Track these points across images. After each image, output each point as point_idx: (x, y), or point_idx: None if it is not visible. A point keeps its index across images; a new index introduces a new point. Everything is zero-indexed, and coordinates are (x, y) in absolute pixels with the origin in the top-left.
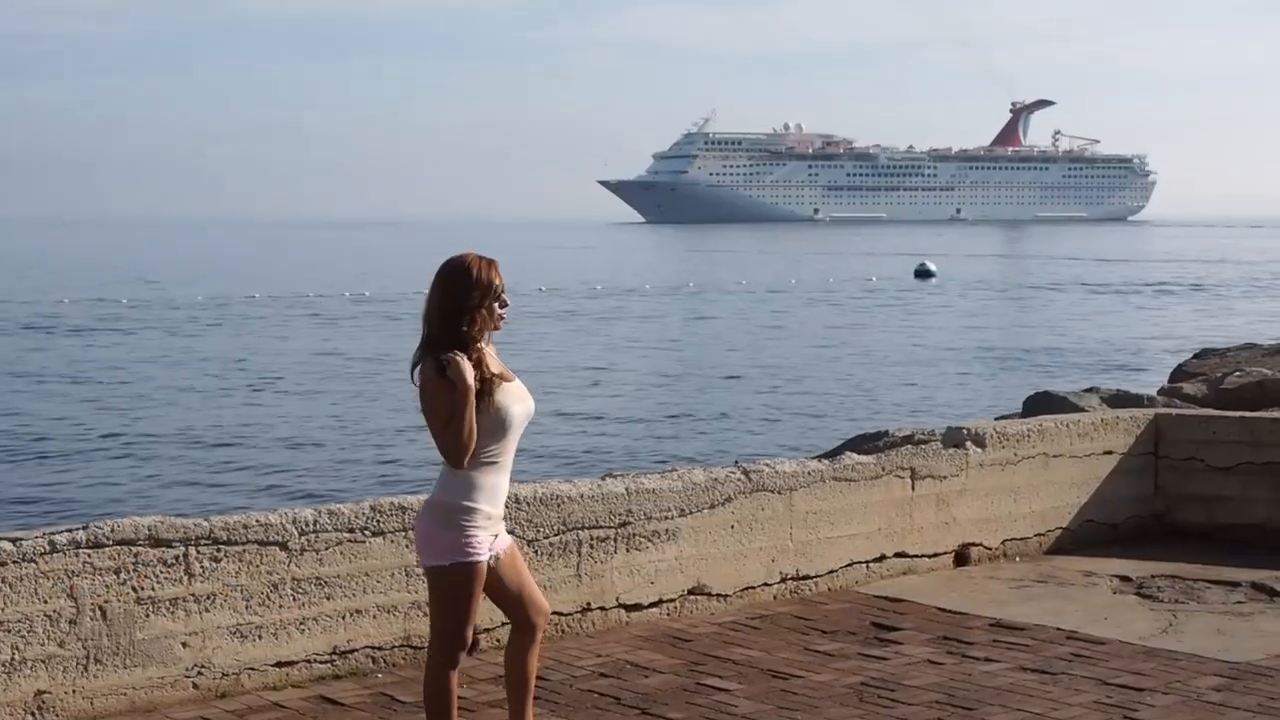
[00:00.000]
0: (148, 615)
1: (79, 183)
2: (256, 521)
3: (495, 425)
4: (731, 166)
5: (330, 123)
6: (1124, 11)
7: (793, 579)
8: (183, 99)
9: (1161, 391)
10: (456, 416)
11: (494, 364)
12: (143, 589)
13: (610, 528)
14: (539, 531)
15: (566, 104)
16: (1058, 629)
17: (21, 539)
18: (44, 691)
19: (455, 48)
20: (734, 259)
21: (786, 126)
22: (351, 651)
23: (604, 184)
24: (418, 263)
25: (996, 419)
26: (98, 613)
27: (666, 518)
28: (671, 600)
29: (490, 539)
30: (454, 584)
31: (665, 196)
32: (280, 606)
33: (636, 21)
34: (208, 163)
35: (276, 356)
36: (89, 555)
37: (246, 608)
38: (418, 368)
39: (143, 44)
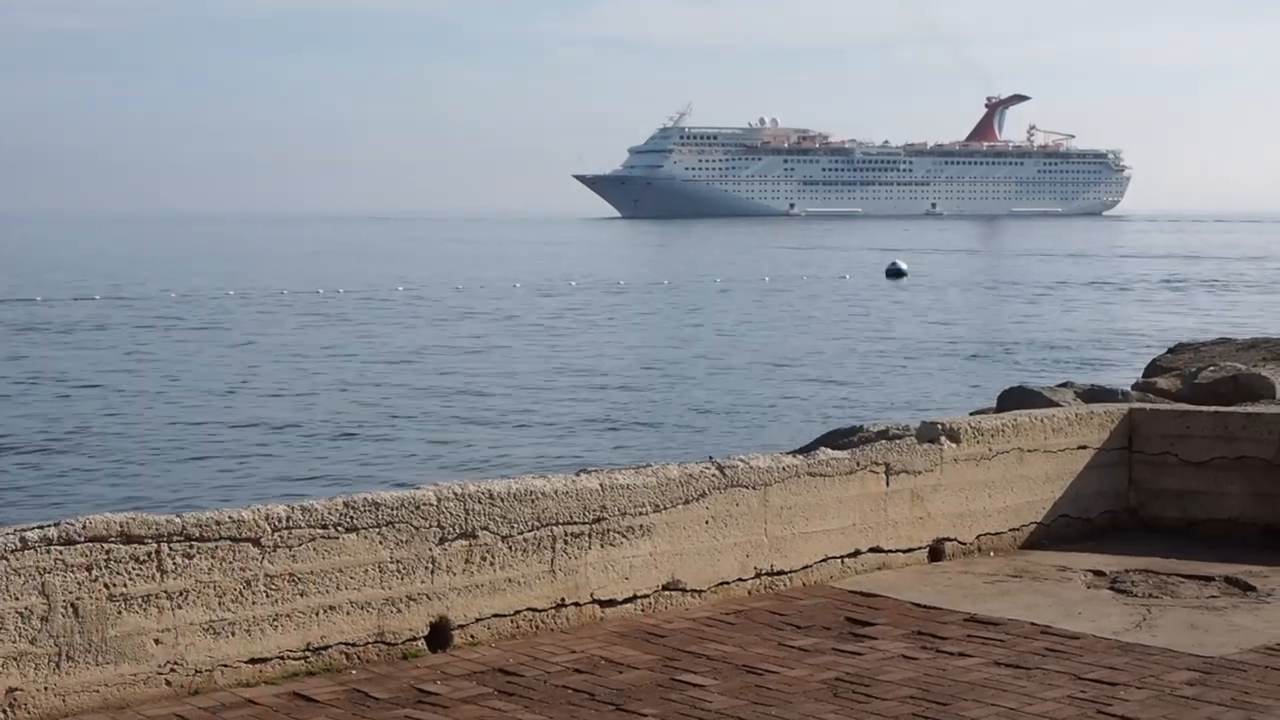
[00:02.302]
0: (120, 612)
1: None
2: (229, 518)
3: None
4: (707, 161)
5: (311, 120)
6: (1099, 7)
7: (767, 574)
8: (149, 97)
9: (1136, 386)
10: None
11: None
12: (115, 586)
13: (584, 523)
14: (513, 527)
15: (545, 99)
16: (1032, 624)
17: None
18: (15, 689)
19: (435, 44)
20: (708, 255)
21: (762, 121)
22: (325, 648)
23: (580, 178)
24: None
25: (971, 414)
26: (70, 610)
27: (641, 513)
28: (646, 596)
29: None
30: None
31: (641, 191)
32: (253, 603)
33: (614, 17)
34: (180, 159)
35: (250, 353)
36: (61, 552)
37: (219, 604)
38: None
39: (116, 40)
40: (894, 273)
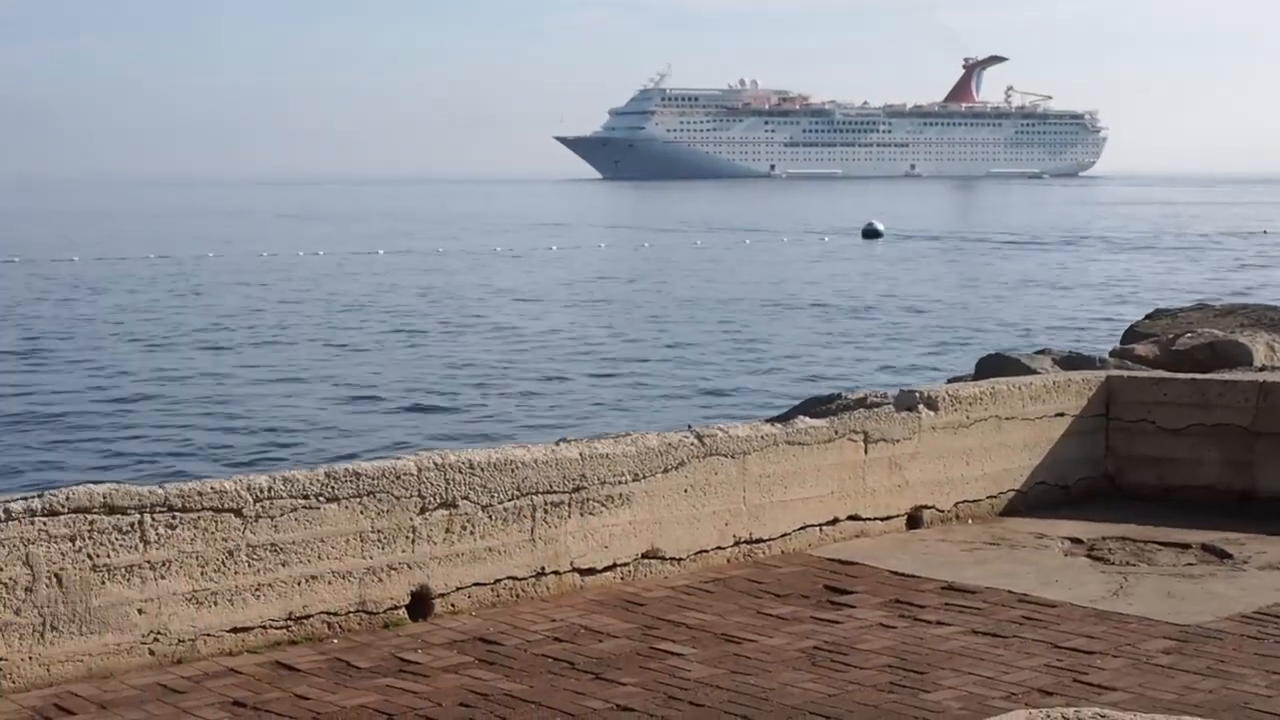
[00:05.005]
0: (103, 582)
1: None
2: (211, 488)
3: None
4: (689, 122)
5: (292, 83)
6: None
7: (746, 542)
8: (138, 63)
9: (1113, 353)
10: None
11: None
12: (98, 556)
13: (564, 492)
14: (494, 497)
15: (528, 61)
16: (1009, 591)
17: None
18: (0, 659)
19: (417, 12)
20: (688, 217)
21: (742, 83)
22: (307, 617)
23: (561, 140)
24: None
25: (949, 381)
26: (54, 580)
27: (620, 482)
28: (625, 564)
29: None
30: None
31: (623, 153)
32: (235, 573)
33: None
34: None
35: (231, 320)
36: (45, 523)
37: (202, 574)
38: None
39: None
40: (870, 233)
